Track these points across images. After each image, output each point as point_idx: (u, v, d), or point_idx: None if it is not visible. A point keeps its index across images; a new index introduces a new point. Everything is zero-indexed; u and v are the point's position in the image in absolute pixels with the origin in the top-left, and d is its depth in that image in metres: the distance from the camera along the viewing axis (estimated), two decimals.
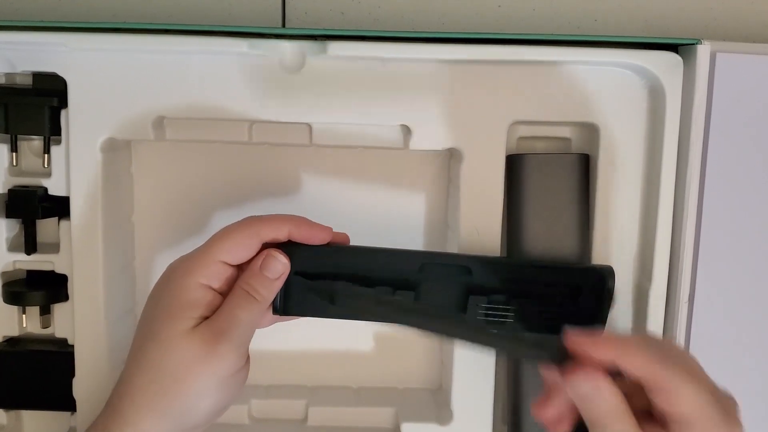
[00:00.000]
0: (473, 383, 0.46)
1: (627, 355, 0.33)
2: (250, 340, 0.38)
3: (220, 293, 0.38)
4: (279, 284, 0.38)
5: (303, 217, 0.39)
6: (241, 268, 0.39)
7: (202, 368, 0.36)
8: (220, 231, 0.38)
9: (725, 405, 0.33)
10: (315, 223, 0.39)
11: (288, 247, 0.39)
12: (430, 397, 0.50)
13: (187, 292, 0.37)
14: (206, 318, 0.37)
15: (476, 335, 0.35)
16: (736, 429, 0.33)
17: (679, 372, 0.32)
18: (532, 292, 0.41)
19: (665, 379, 0.32)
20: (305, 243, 0.39)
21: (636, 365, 0.33)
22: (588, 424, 0.34)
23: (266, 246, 0.39)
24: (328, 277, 0.40)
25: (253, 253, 0.38)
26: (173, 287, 0.37)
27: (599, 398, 0.33)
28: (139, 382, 0.37)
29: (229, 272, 0.38)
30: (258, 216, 0.39)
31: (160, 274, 0.39)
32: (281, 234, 0.38)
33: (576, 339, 0.34)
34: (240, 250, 0.38)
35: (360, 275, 0.40)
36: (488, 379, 0.46)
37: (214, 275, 0.37)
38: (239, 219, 0.39)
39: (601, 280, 0.41)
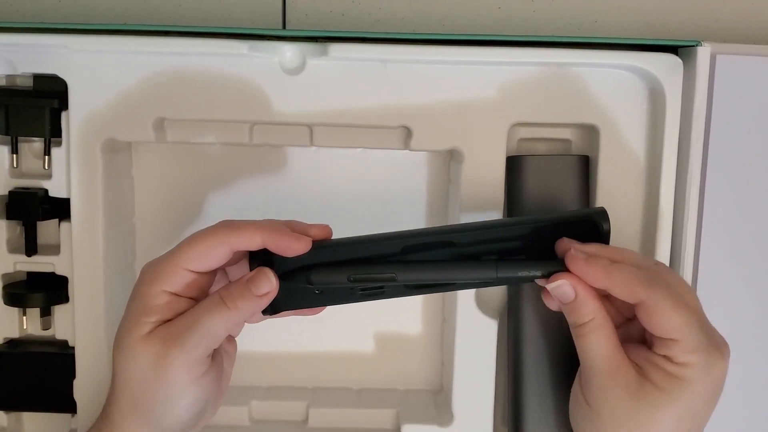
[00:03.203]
0: (474, 385, 0.46)
1: (613, 281, 0.35)
2: (211, 347, 0.36)
3: (189, 298, 0.37)
4: (263, 303, 0.37)
5: (279, 227, 0.37)
6: (213, 273, 0.38)
7: (157, 374, 0.35)
8: (189, 237, 0.37)
9: (712, 334, 0.35)
10: (292, 233, 0.37)
11: (265, 253, 0.37)
12: (431, 399, 0.50)
13: (150, 299, 0.36)
14: (166, 321, 0.36)
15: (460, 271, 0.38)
16: (717, 356, 0.35)
17: (666, 295, 0.34)
18: (523, 251, 0.39)
19: (652, 301, 0.34)
20: (281, 254, 0.36)
21: (622, 291, 0.35)
22: (571, 328, 0.37)
23: (239, 253, 0.37)
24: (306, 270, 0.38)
25: (223, 262, 0.37)
26: (139, 295, 0.37)
27: (578, 297, 0.36)
28: (117, 388, 0.37)
29: (197, 279, 0.37)
30: (231, 222, 0.37)
31: None
32: (253, 244, 0.36)
33: (572, 255, 0.36)
34: (207, 259, 0.36)
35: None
36: (489, 380, 0.46)
37: (180, 283, 0.36)
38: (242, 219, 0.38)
39: (595, 226, 0.38)
